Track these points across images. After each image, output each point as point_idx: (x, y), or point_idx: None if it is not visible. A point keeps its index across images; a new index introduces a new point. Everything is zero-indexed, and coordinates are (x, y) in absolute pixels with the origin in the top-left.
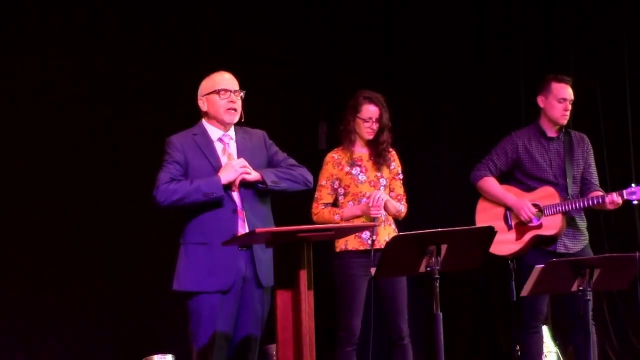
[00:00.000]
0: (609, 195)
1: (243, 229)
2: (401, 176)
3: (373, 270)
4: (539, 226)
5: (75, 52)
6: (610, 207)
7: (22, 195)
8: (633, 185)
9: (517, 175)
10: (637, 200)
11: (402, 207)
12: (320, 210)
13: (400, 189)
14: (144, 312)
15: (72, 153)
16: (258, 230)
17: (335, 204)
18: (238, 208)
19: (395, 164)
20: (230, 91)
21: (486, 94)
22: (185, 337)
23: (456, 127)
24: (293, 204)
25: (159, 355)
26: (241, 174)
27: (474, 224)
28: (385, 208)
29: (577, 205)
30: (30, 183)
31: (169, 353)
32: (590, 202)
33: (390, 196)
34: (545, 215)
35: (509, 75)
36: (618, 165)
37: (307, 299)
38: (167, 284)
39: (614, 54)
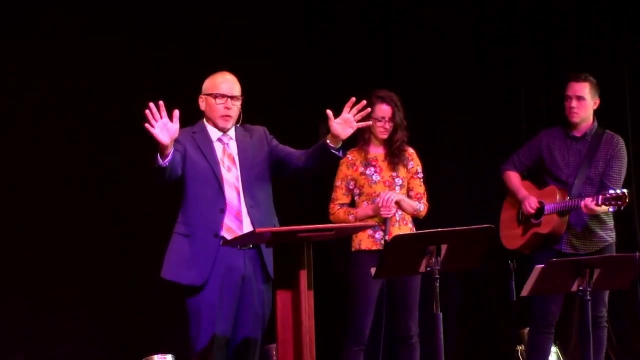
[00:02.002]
0: (584, 200)
1: (240, 229)
2: (421, 175)
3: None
4: (539, 224)
5: (75, 51)
6: (584, 211)
7: (22, 195)
8: (611, 191)
9: (542, 172)
10: (613, 207)
11: (420, 206)
12: (337, 210)
13: (419, 188)
14: (144, 312)
15: (71, 153)
16: (258, 230)
17: (353, 203)
18: (228, 207)
19: (414, 163)
20: (228, 97)
21: (486, 97)
22: (185, 337)
23: (456, 130)
24: (293, 204)
25: (159, 355)
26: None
27: (499, 219)
28: (402, 208)
29: (562, 206)
30: (30, 183)
31: (169, 353)
32: (569, 205)
33: (409, 195)
34: (545, 214)
35: (509, 78)
36: None
37: (307, 299)
38: (167, 285)
39: (613, 58)
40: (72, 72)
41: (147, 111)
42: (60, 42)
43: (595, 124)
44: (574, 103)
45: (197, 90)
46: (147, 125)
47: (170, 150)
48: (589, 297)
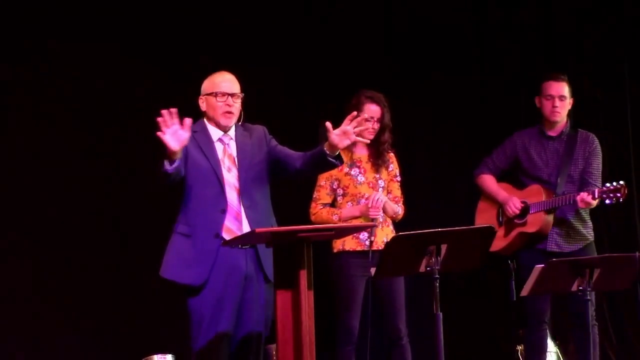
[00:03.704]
0: (581, 194)
1: (239, 230)
2: (399, 178)
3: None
4: (524, 223)
5: (76, 53)
6: (580, 205)
7: (22, 195)
8: (607, 184)
9: (518, 174)
10: (610, 199)
11: (399, 209)
12: (319, 210)
13: (397, 191)
14: (144, 312)
15: (72, 152)
16: (258, 230)
17: (333, 204)
18: (228, 208)
19: (394, 166)
20: (228, 94)
21: (486, 96)
22: (184, 337)
23: (455, 129)
24: (292, 204)
25: (159, 355)
26: None
27: (474, 224)
28: (384, 210)
29: (555, 203)
30: (30, 184)
31: (169, 353)
32: (564, 201)
33: (388, 198)
34: (530, 213)
35: (508, 77)
36: (618, 166)
37: (307, 299)
38: (167, 285)
39: (614, 56)
40: (74, 74)
41: (159, 118)
42: (59, 43)
43: (569, 122)
44: (557, 102)
45: (197, 91)
46: (159, 133)
47: (179, 157)
48: (589, 297)
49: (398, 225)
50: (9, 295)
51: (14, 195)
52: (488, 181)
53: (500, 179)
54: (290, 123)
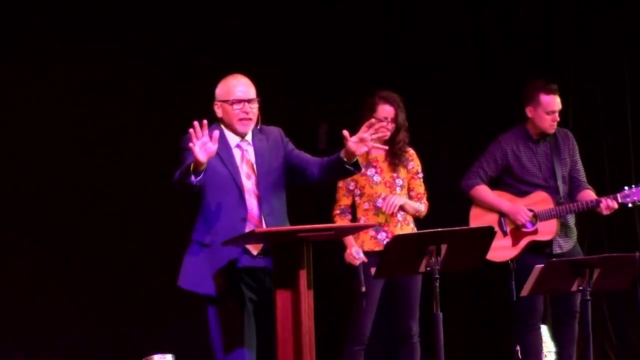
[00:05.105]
0: (604, 201)
1: None
2: (421, 175)
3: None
4: (535, 232)
5: (78, 54)
6: (606, 212)
7: (23, 194)
8: (626, 188)
9: (507, 179)
10: (632, 202)
11: (421, 207)
12: (338, 215)
13: (420, 188)
14: (144, 312)
15: (74, 154)
16: (257, 230)
17: (353, 204)
18: (249, 216)
19: (414, 163)
20: (245, 101)
21: (486, 97)
22: (184, 337)
23: (455, 129)
24: (292, 204)
25: (159, 355)
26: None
27: None
28: (404, 210)
29: (572, 209)
30: (30, 182)
31: (169, 353)
32: (585, 207)
33: (410, 196)
34: (540, 221)
35: (508, 77)
36: (618, 166)
37: (307, 299)
38: (167, 284)
39: (614, 55)
40: (73, 73)
41: (190, 130)
42: (59, 43)
43: None
44: (557, 117)
45: (196, 91)
46: (190, 144)
47: (204, 168)
48: (589, 297)
49: (420, 222)
50: (9, 296)
51: (14, 195)
52: (485, 192)
53: (497, 187)
54: (290, 123)
